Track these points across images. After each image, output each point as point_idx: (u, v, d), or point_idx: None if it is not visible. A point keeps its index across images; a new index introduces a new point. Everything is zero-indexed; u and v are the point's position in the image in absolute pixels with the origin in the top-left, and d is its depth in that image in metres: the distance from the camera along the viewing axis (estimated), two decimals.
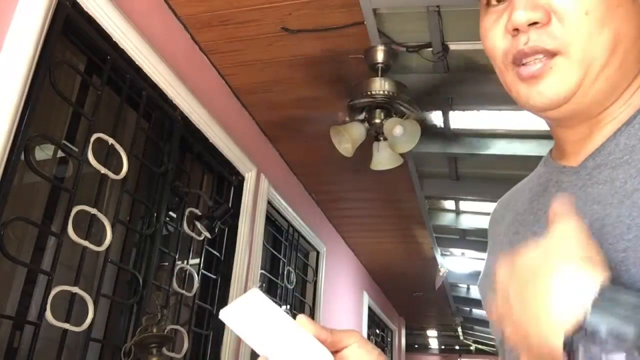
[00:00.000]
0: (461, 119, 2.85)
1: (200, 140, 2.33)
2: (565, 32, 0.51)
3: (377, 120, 2.23)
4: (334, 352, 0.53)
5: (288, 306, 3.39)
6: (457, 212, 4.14)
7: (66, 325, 1.52)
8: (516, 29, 0.53)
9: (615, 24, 0.51)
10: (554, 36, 0.51)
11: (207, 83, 2.38)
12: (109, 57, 1.77)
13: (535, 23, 0.52)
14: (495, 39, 0.56)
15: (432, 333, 10.81)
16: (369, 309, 5.47)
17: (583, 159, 0.56)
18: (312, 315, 3.74)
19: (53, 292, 1.48)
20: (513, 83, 0.56)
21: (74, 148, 1.72)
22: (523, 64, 0.53)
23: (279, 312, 0.54)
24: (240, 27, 2.14)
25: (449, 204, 4.05)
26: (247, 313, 0.53)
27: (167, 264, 2.12)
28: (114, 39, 1.74)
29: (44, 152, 1.71)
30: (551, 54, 0.52)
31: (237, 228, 2.63)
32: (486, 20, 0.58)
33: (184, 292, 2.16)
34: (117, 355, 1.76)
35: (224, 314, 0.53)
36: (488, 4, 0.57)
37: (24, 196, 1.65)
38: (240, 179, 2.70)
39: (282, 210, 3.23)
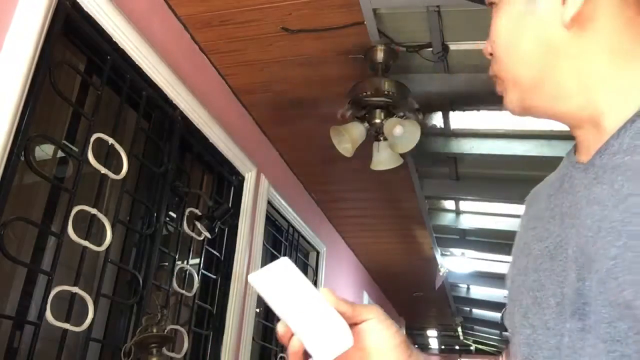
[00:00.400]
0: (461, 119, 2.85)
1: (200, 140, 2.33)
2: (496, 61, 0.61)
3: (377, 120, 2.23)
4: (353, 325, 0.55)
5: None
6: (457, 212, 4.14)
7: (66, 325, 1.52)
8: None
9: (520, 40, 0.58)
10: (495, 64, 0.62)
11: (207, 83, 2.38)
12: (109, 57, 1.77)
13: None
14: None
15: (432, 333, 10.82)
16: None
17: (592, 156, 0.55)
18: None
19: (53, 292, 1.48)
20: None
21: (74, 148, 1.72)
22: None
23: (305, 282, 0.55)
24: (240, 27, 2.14)
25: (449, 204, 4.05)
26: (274, 279, 0.56)
27: (167, 264, 2.12)
28: (114, 39, 1.74)
29: (44, 152, 1.71)
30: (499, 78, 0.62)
31: (237, 228, 2.63)
32: None
33: (184, 292, 2.16)
34: (117, 355, 1.76)
35: (252, 278, 0.56)
36: None
37: (24, 196, 1.65)
38: (240, 179, 2.70)
39: (282, 210, 3.23)
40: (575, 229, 0.52)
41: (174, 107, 2.11)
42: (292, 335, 0.54)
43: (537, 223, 0.61)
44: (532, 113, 0.61)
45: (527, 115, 0.61)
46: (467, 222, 4.17)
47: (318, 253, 3.97)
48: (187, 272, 2.23)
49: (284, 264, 0.57)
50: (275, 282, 0.55)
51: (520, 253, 0.62)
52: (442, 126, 2.90)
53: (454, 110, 2.75)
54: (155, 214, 1.99)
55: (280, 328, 0.55)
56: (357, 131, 2.27)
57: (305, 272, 3.85)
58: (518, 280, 0.60)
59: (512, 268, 0.64)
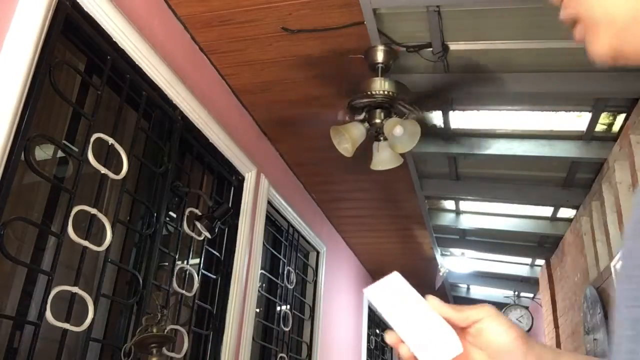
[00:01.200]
0: (461, 119, 2.86)
1: (200, 140, 2.33)
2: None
3: (377, 120, 2.23)
4: (465, 328, 0.57)
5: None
6: (457, 212, 4.14)
7: (66, 325, 1.52)
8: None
9: None
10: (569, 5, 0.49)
11: (207, 83, 2.38)
12: (109, 57, 1.77)
13: None
14: None
15: None
16: (369, 309, 5.47)
17: None
18: (312, 315, 3.74)
19: (53, 292, 1.48)
20: None
21: (74, 148, 1.72)
22: None
23: (413, 293, 0.59)
24: (240, 27, 2.14)
25: (449, 204, 4.05)
26: (387, 293, 0.60)
27: (167, 264, 2.12)
28: (114, 39, 1.74)
29: (44, 152, 1.71)
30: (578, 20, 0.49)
31: (237, 228, 2.62)
32: None
33: (184, 292, 2.16)
34: (117, 355, 1.76)
35: (368, 292, 0.61)
36: None
37: (24, 196, 1.65)
38: (240, 179, 2.70)
39: (282, 210, 3.23)
40: None
41: (174, 107, 2.11)
42: (402, 343, 0.57)
43: None
44: (628, 58, 0.48)
45: (620, 63, 0.49)
46: (467, 222, 4.17)
47: (318, 253, 3.97)
48: (187, 272, 2.23)
49: (395, 278, 0.61)
50: (388, 295, 0.60)
51: None
52: (442, 126, 2.90)
53: (454, 110, 2.76)
54: (155, 214, 1.99)
55: (389, 338, 0.58)
56: (357, 131, 2.27)
57: (305, 272, 3.85)
58: None
59: None
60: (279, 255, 3.33)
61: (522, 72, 2.36)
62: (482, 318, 0.56)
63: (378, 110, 2.23)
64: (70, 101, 1.71)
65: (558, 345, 4.56)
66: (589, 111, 2.60)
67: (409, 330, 0.57)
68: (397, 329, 0.58)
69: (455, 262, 4.97)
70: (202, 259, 2.35)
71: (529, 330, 5.74)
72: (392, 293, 0.60)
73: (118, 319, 1.85)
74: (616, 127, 2.72)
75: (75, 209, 1.58)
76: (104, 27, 1.69)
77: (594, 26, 0.48)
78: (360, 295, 5.20)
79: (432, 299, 0.57)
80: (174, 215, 2.22)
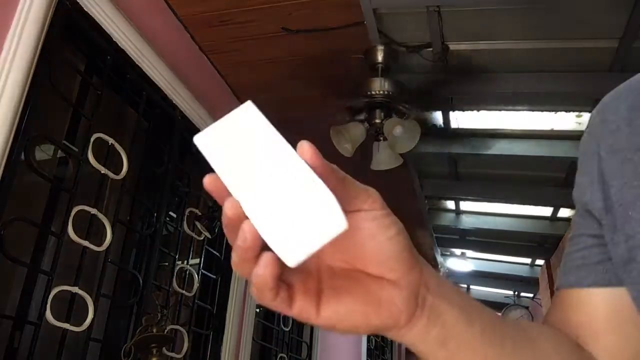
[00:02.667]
0: (461, 119, 2.86)
1: None
2: None
3: (377, 120, 2.23)
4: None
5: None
6: (457, 212, 4.14)
7: (66, 325, 1.52)
8: None
9: None
10: None
11: (207, 83, 2.38)
12: (109, 57, 1.77)
13: None
14: None
15: None
16: None
17: None
18: None
19: (53, 292, 1.48)
20: None
21: (74, 148, 1.72)
22: None
23: (275, 137, 0.37)
24: (240, 27, 2.14)
25: (449, 204, 4.06)
26: (231, 137, 0.37)
27: (167, 264, 2.12)
28: (114, 39, 1.74)
29: (44, 152, 1.71)
30: None
31: None
32: None
33: (184, 292, 2.16)
34: (117, 355, 1.76)
35: (199, 138, 0.37)
36: None
37: (24, 196, 1.65)
38: None
39: None
40: None
41: (174, 107, 2.11)
42: (245, 220, 0.33)
43: None
44: None
45: None
46: (467, 222, 4.17)
47: None
48: (187, 272, 2.23)
49: (247, 112, 0.39)
50: (232, 141, 0.36)
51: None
52: (442, 126, 2.90)
53: (454, 110, 2.76)
54: (155, 214, 1.99)
55: (229, 208, 0.34)
56: (357, 131, 2.27)
57: None
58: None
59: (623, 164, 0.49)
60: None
61: (522, 72, 2.36)
62: (366, 210, 0.38)
63: (378, 110, 2.24)
64: (70, 101, 1.71)
65: None
66: (589, 111, 2.59)
67: (262, 196, 0.33)
68: (240, 195, 0.34)
69: (455, 262, 4.97)
70: (202, 259, 2.35)
71: None
72: (239, 137, 0.36)
73: (118, 319, 1.85)
74: None
75: (75, 209, 1.57)
76: (104, 27, 1.69)
77: None
78: None
79: (305, 146, 0.36)
80: (174, 215, 2.22)
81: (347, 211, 0.34)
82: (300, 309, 0.35)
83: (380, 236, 0.37)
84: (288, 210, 0.32)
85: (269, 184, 0.33)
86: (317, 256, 0.33)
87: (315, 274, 0.37)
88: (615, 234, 0.48)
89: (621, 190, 0.48)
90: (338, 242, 0.33)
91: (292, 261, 0.31)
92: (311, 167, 0.34)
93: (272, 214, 0.32)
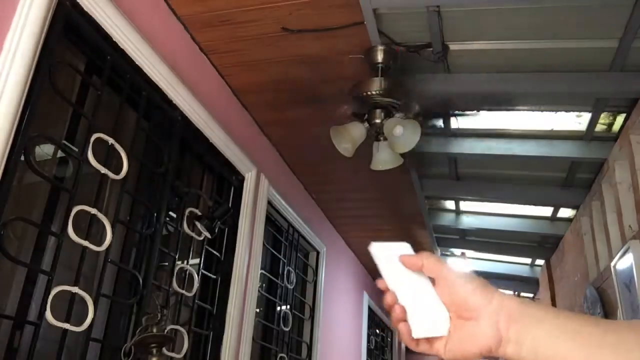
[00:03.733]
0: (461, 119, 2.86)
1: (200, 140, 2.33)
2: None
3: (377, 120, 2.23)
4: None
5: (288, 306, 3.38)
6: (457, 212, 4.14)
7: (66, 325, 1.52)
8: None
9: None
10: None
11: (207, 83, 2.38)
12: (109, 57, 1.77)
13: None
14: None
15: None
16: (369, 309, 5.47)
17: None
18: (312, 315, 3.74)
19: (53, 292, 1.48)
20: None
21: (74, 148, 1.72)
22: None
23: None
24: (240, 27, 2.15)
25: (449, 204, 4.06)
26: (394, 254, 0.62)
27: (167, 264, 2.12)
28: (114, 39, 1.74)
29: (44, 152, 1.71)
30: None
31: (237, 228, 2.62)
32: None
33: (184, 292, 2.16)
34: (117, 355, 1.76)
35: (374, 247, 0.65)
36: None
37: (24, 196, 1.65)
38: (240, 179, 2.70)
39: (282, 210, 3.23)
40: None
41: (174, 107, 2.11)
42: (397, 305, 0.60)
43: None
44: None
45: None
46: (467, 222, 4.17)
47: (318, 253, 3.97)
48: (187, 272, 2.23)
49: (405, 247, 0.64)
50: (394, 258, 0.62)
51: None
52: (442, 126, 2.90)
53: (454, 110, 2.76)
54: (155, 214, 1.99)
55: (388, 298, 0.60)
56: (357, 131, 2.27)
57: (305, 272, 3.85)
58: None
59: None
60: (279, 255, 3.33)
61: (522, 72, 2.36)
62: (442, 271, 0.59)
63: (378, 110, 2.23)
64: (70, 101, 1.71)
65: None
66: (589, 111, 2.60)
67: (409, 297, 0.59)
68: (397, 291, 0.60)
69: (455, 262, 4.97)
70: (202, 259, 2.35)
71: None
72: (397, 257, 0.62)
73: (118, 319, 1.85)
74: (616, 127, 2.72)
75: (75, 209, 1.58)
76: (104, 27, 1.69)
77: None
78: (360, 295, 5.20)
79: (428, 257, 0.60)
80: (174, 215, 2.22)
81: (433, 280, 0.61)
82: (437, 350, 0.58)
83: (452, 290, 0.58)
84: (424, 310, 0.59)
85: (415, 292, 0.60)
86: None
87: None
88: None
89: None
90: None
91: (415, 335, 0.58)
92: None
93: (415, 308, 0.59)
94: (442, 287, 0.59)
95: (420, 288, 0.60)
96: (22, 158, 1.41)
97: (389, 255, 0.63)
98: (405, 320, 0.59)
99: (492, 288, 0.58)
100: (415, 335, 0.58)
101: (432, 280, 0.60)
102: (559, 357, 0.52)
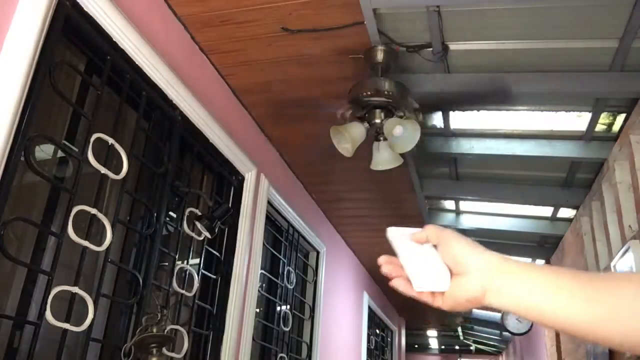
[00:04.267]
0: (461, 119, 2.86)
1: (200, 140, 2.33)
2: None
3: (377, 120, 2.23)
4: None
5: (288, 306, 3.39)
6: (457, 212, 4.14)
7: (66, 325, 1.52)
8: None
9: None
10: None
11: (207, 83, 2.38)
12: (109, 57, 1.77)
13: None
14: None
15: (432, 333, 10.82)
16: (369, 309, 5.47)
17: None
18: (312, 315, 3.74)
19: (53, 292, 1.48)
20: None
21: (74, 148, 1.72)
22: None
23: (428, 244, 0.72)
24: (240, 27, 2.15)
25: (449, 204, 4.06)
26: (405, 235, 0.74)
27: (167, 264, 2.12)
28: (114, 39, 1.74)
29: (44, 152, 1.71)
30: None
31: (237, 228, 2.62)
32: None
33: (184, 292, 2.16)
34: (117, 355, 1.76)
35: (390, 230, 0.75)
36: None
37: (24, 196, 1.65)
38: (240, 179, 2.70)
39: (282, 210, 3.23)
40: None
41: (174, 107, 2.11)
42: (396, 275, 0.71)
43: None
44: None
45: None
46: (467, 222, 4.17)
47: (318, 253, 3.97)
48: (187, 272, 2.23)
49: (415, 229, 0.75)
50: (406, 237, 0.74)
51: None
52: (442, 126, 2.90)
53: (454, 110, 2.76)
54: (155, 214, 1.99)
55: (384, 263, 0.72)
56: (357, 131, 2.27)
57: (305, 272, 3.85)
58: None
59: None
60: (279, 255, 3.33)
61: (522, 72, 2.36)
62: (442, 237, 0.70)
63: (378, 110, 2.23)
64: (70, 101, 1.71)
65: (558, 345, 4.55)
66: (589, 111, 2.60)
67: (413, 263, 0.70)
68: (403, 260, 0.71)
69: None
70: (202, 259, 2.35)
71: (529, 329, 5.74)
72: (409, 237, 0.73)
73: (118, 319, 1.85)
74: (616, 127, 2.72)
75: (75, 209, 1.58)
76: (104, 27, 1.69)
77: None
78: (360, 295, 5.20)
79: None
80: (174, 215, 2.22)
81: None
82: (434, 300, 0.69)
83: (447, 250, 0.68)
84: (426, 272, 0.69)
85: (420, 260, 0.71)
86: None
87: None
88: None
89: None
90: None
91: (419, 288, 0.69)
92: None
93: (417, 271, 0.70)
94: (442, 248, 0.69)
95: (427, 256, 0.70)
96: (22, 158, 1.41)
97: (402, 235, 0.74)
98: (400, 276, 0.70)
99: (481, 248, 0.67)
100: (416, 287, 0.68)
101: (436, 247, 0.70)
102: (534, 305, 0.61)
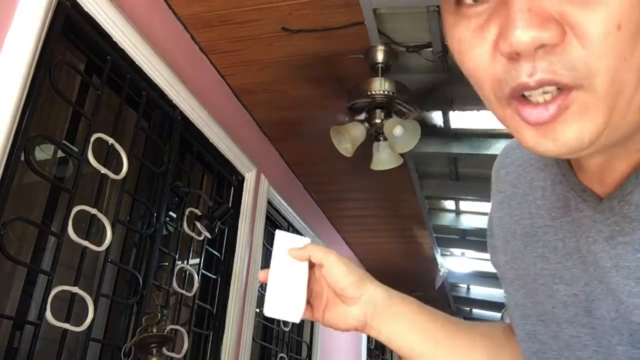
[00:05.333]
0: (461, 119, 2.85)
1: (200, 140, 2.33)
2: (588, 58, 0.35)
3: (377, 120, 2.23)
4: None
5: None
6: (457, 212, 4.14)
7: (66, 325, 1.52)
8: (517, 53, 0.36)
9: None
10: (571, 64, 0.35)
11: (207, 83, 2.38)
12: (109, 57, 1.77)
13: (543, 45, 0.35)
14: (481, 60, 0.40)
15: None
16: None
17: (608, 192, 0.45)
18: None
19: (53, 292, 1.48)
20: (513, 123, 0.40)
21: (74, 148, 1.72)
22: (525, 98, 0.38)
23: (302, 261, 0.68)
24: (240, 27, 2.14)
25: (449, 204, 4.05)
26: (288, 245, 0.69)
27: (167, 264, 2.12)
28: (114, 39, 1.74)
29: (44, 152, 1.71)
30: (568, 88, 0.36)
31: (237, 228, 2.62)
32: (461, 30, 0.41)
33: (184, 292, 2.16)
34: (117, 355, 1.76)
35: (279, 234, 0.71)
36: (458, 3, 0.41)
37: (24, 196, 1.65)
38: (240, 179, 2.70)
39: (282, 210, 3.23)
40: (605, 287, 0.45)
41: (174, 107, 2.11)
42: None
43: (545, 250, 0.52)
44: (589, 148, 0.38)
45: (570, 155, 0.40)
46: (467, 222, 4.17)
47: None
48: (187, 272, 2.23)
49: (305, 240, 0.70)
50: (287, 247, 0.68)
51: (523, 260, 0.55)
52: (442, 126, 2.90)
53: (454, 110, 2.75)
54: (155, 214, 1.99)
55: (261, 276, 0.69)
56: (357, 131, 2.27)
57: None
58: (533, 305, 0.54)
59: (516, 272, 0.57)
60: None
61: None
62: (325, 264, 0.67)
63: (378, 110, 2.23)
64: (70, 101, 1.71)
65: None
66: None
67: (277, 280, 0.66)
68: (270, 273, 0.66)
69: (455, 262, 4.97)
70: (202, 259, 2.35)
71: None
72: (291, 248, 0.68)
73: (118, 319, 1.85)
74: None
75: (75, 209, 1.58)
76: (104, 27, 1.69)
77: (596, 98, 0.36)
78: None
79: (311, 247, 0.69)
80: (174, 215, 2.22)
81: (311, 266, 0.69)
82: (313, 316, 0.69)
83: (332, 281, 0.67)
84: (283, 296, 0.65)
85: (285, 279, 0.67)
86: (322, 288, 0.69)
87: (323, 299, 0.69)
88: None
89: (505, 266, 0.58)
90: (322, 282, 0.69)
91: (266, 313, 0.65)
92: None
93: (275, 292, 0.65)
94: (326, 274, 0.67)
95: (295, 278, 0.66)
96: (22, 158, 1.41)
97: (288, 243, 0.69)
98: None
99: (368, 281, 0.68)
100: (265, 312, 0.65)
101: (319, 266, 0.68)
102: (405, 347, 0.66)
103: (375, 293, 0.67)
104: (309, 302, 0.69)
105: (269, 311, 0.65)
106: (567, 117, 0.37)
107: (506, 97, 0.39)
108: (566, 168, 0.50)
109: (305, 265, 0.67)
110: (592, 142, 0.37)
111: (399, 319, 0.67)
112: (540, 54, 0.35)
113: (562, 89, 0.36)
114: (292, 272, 0.67)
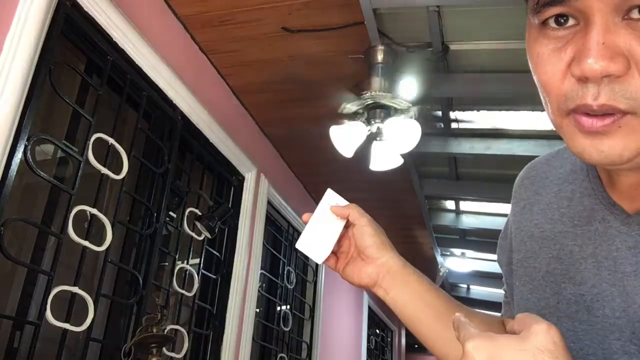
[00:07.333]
0: (461, 119, 2.85)
1: (200, 140, 2.33)
2: None
3: (377, 120, 2.23)
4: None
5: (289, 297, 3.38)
6: (457, 212, 4.14)
7: (66, 325, 1.52)
8: (586, 77, 0.42)
9: None
10: (630, 94, 0.41)
11: (207, 83, 2.38)
12: (109, 57, 1.77)
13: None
14: (554, 77, 0.46)
15: None
16: (369, 309, 5.47)
17: (637, 208, 0.51)
18: (312, 315, 3.74)
19: (53, 292, 1.48)
20: (569, 130, 0.47)
21: (74, 148, 1.72)
22: (586, 114, 0.44)
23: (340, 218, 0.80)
24: (240, 27, 2.14)
25: (449, 204, 4.05)
26: (333, 202, 0.82)
27: (167, 264, 2.12)
28: (114, 39, 1.74)
29: (44, 152, 1.71)
30: (622, 113, 0.42)
31: (237, 228, 2.62)
32: (542, 47, 0.47)
33: (184, 292, 2.16)
34: (117, 355, 1.76)
35: (329, 192, 0.84)
36: (544, 23, 0.46)
37: (24, 196, 1.65)
38: (240, 179, 2.70)
39: (282, 210, 3.23)
40: (616, 290, 0.51)
41: (174, 107, 2.11)
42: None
43: (561, 252, 0.58)
44: (628, 163, 0.45)
45: (609, 166, 0.47)
46: (467, 222, 4.17)
47: None
48: (187, 272, 2.23)
49: (344, 202, 0.83)
50: (330, 204, 0.81)
51: (535, 258, 0.61)
52: (442, 126, 2.90)
53: (454, 110, 2.76)
54: (155, 214, 1.99)
55: (305, 216, 0.81)
56: (357, 131, 2.27)
57: (305, 272, 3.85)
58: (538, 300, 0.60)
59: (525, 262, 0.63)
60: (279, 255, 3.33)
61: (522, 72, 2.35)
62: (358, 223, 0.78)
63: (378, 110, 2.23)
64: (70, 101, 1.71)
65: None
66: None
67: (315, 225, 0.78)
68: (312, 217, 0.79)
69: (455, 262, 4.97)
70: (202, 259, 2.35)
71: None
72: (335, 205, 0.81)
73: (118, 319, 1.85)
74: None
75: (75, 209, 1.58)
76: (104, 27, 1.69)
77: None
78: (361, 295, 5.20)
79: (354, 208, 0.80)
80: (174, 215, 2.22)
81: (347, 226, 0.80)
82: (336, 266, 0.79)
83: (359, 238, 0.77)
84: (316, 238, 0.77)
85: (321, 226, 0.79)
86: (350, 247, 0.79)
87: (348, 255, 0.79)
88: (512, 294, 0.67)
89: (517, 263, 0.65)
90: (352, 241, 0.79)
91: (297, 245, 0.79)
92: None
93: (309, 234, 0.78)
94: (356, 233, 0.77)
95: (330, 228, 0.77)
96: (22, 158, 1.41)
97: (332, 201, 0.81)
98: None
99: (389, 248, 0.77)
100: (297, 245, 0.77)
101: (352, 227, 0.78)
102: (407, 313, 0.73)
103: (392, 260, 0.76)
104: (335, 254, 0.78)
105: (301, 245, 0.76)
106: (616, 134, 0.43)
107: (568, 110, 0.45)
108: (597, 184, 0.56)
109: (342, 222, 0.77)
110: (630, 159, 0.44)
111: (407, 287, 0.74)
112: (605, 81, 0.42)
113: (617, 114, 0.42)
114: (329, 223, 0.77)
